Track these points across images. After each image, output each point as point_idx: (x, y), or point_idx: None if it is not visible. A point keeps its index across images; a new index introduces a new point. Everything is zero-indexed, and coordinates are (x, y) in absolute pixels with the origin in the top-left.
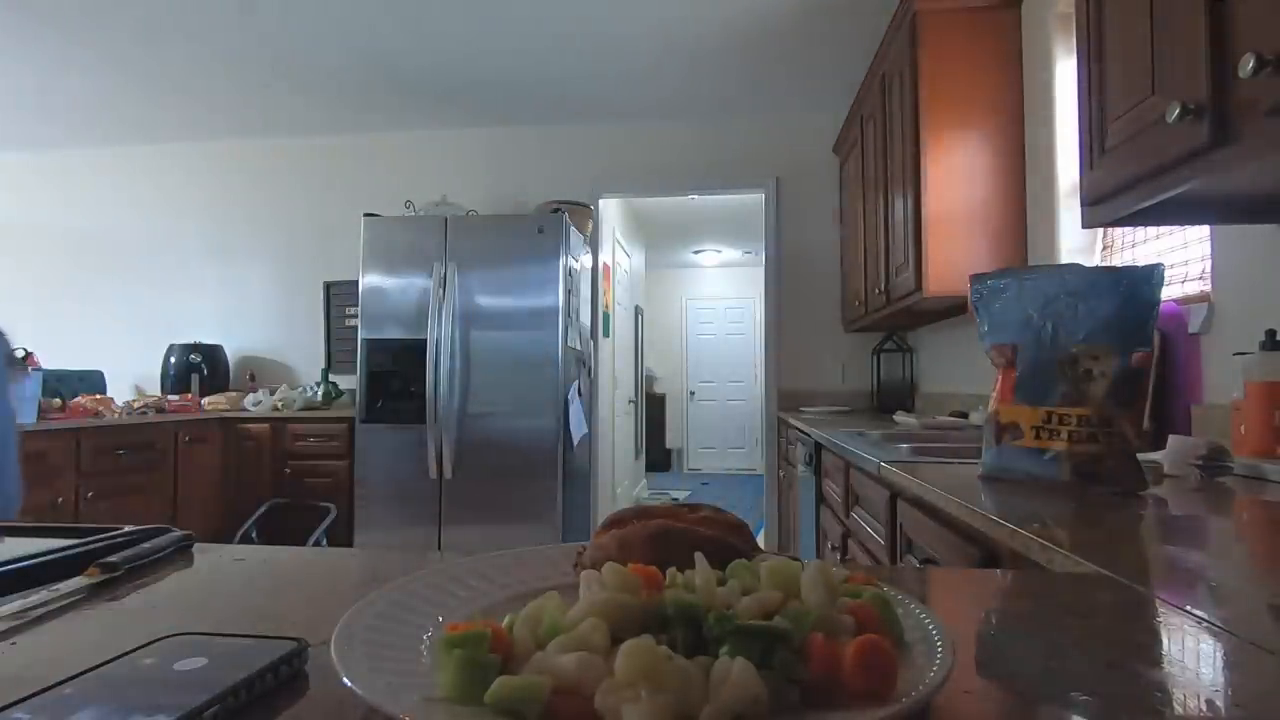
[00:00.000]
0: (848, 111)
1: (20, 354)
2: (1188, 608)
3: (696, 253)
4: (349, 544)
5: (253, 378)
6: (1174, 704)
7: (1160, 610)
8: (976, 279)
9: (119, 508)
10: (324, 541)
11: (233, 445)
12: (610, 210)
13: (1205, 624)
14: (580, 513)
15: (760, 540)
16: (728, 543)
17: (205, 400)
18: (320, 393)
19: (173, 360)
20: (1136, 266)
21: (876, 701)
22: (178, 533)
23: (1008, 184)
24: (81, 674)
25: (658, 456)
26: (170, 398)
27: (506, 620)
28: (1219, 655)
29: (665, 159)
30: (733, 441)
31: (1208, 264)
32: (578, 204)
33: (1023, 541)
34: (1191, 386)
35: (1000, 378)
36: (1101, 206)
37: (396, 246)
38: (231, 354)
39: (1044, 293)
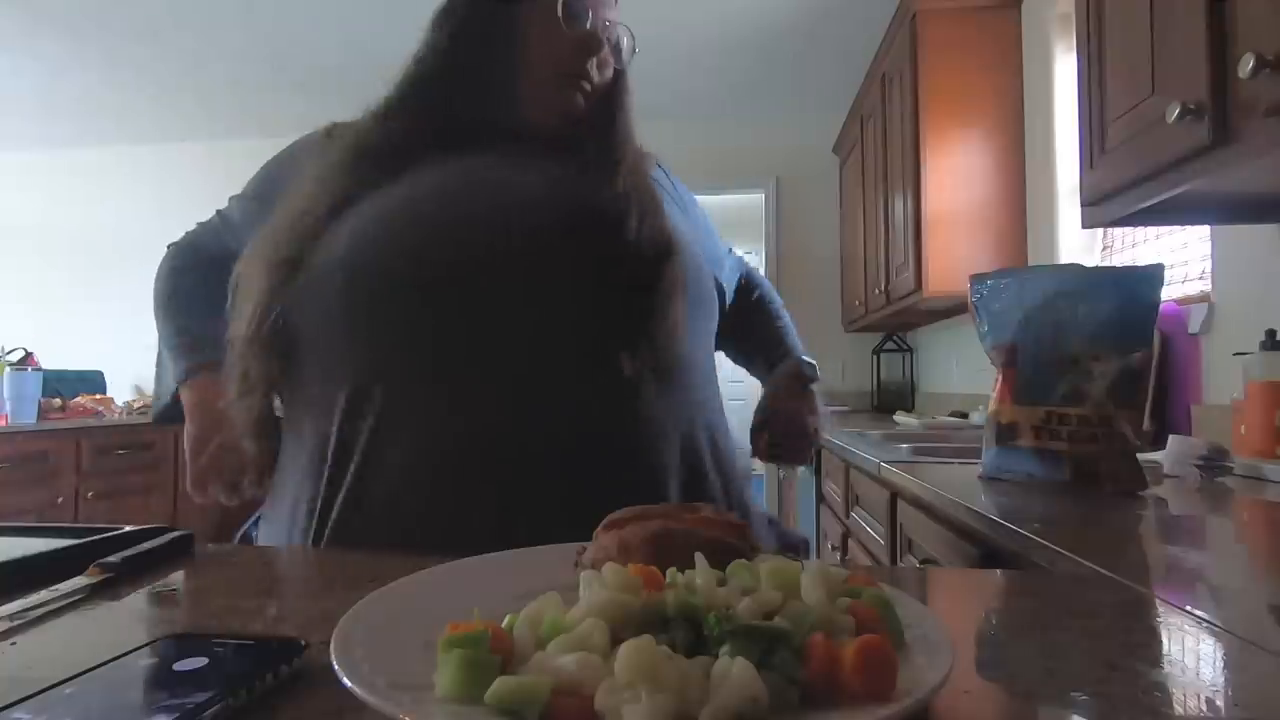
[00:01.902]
0: (848, 111)
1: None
2: (1188, 608)
3: None
4: None
5: None
6: (1174, 704)
7: (1160, 610)
8: (976, 279)
9: (119, 508)
10: None
11: None
12: None
13: (1205, 624)
14: None
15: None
16: (728, 543)
17: None
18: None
19: None
20: (1136, 266)
21: (876, 701)
22: (178, 533)
23: (1008, 184)
24: (81, 674)
25: None
26: None
27: (507, 620)
28: (1219, 655)
29: (665, 158)
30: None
31: (1208, 264)
32: None
33: (1023, 541)
34: (1191, 386)
35: (1000, 378)
36: (1101, 206)
37: None
38: None
39: (1044, 293)
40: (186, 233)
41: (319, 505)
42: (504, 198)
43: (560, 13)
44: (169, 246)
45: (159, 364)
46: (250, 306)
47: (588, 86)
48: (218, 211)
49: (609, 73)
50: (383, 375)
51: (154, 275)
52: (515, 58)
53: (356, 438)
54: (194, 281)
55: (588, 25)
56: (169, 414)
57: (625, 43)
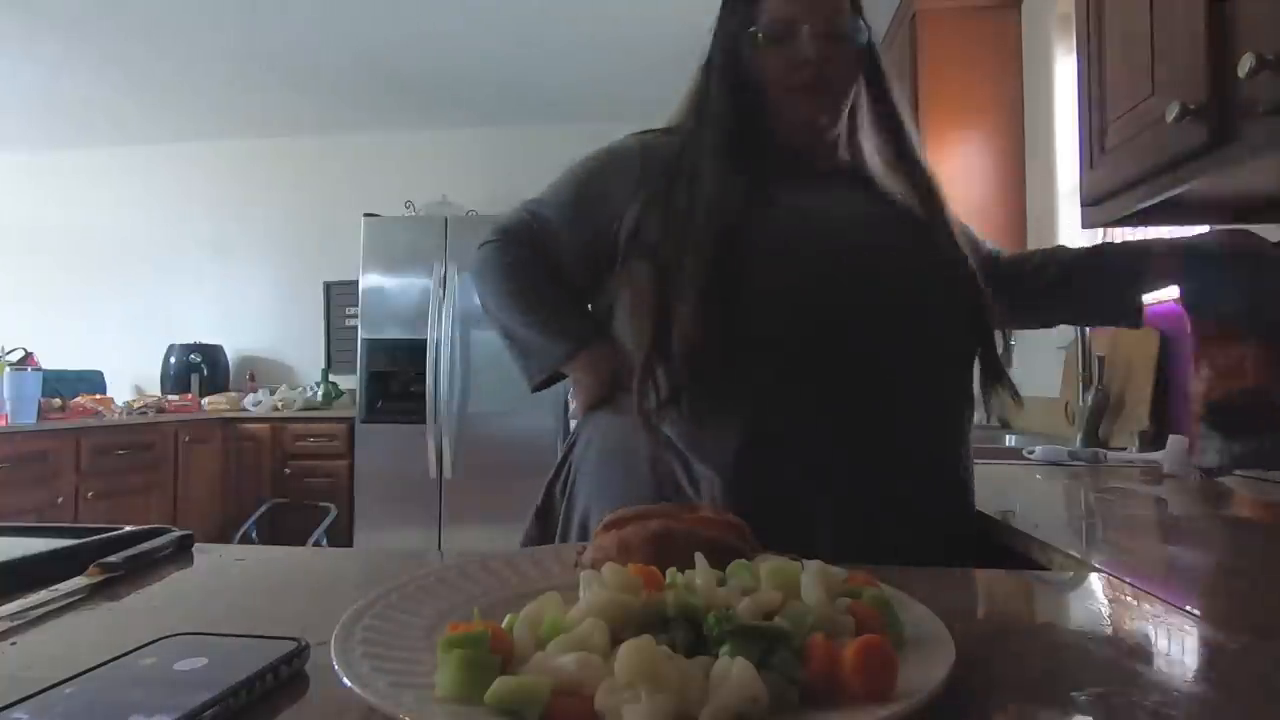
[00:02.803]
0: None
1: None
2: (1188, 608)
3: None
4: (349, 544)
5: (253, 378)
6: (1174, 704)
7: (1160, 610)
8: None
9: (119, 508)
10: (324, 541)
11: (233, 445)
12: None
13: (1205, 624)
14: None
15: None
16: (728, 543)
17: (205, 400)
18: (320, 393)
19: (173, 360)
20: None
21: (876, 701)
22: (178, 533)
23: (1008, 184)
24: (81, 674)
25: None
26: (170, 398)
27: (506, 620)
28: (1218, 655)
29: None
30: None
31: None
32: None
33: (1022, 541)
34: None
35: (1212, 358)
36: (1101, 206)
37: (396, 246)
38: (231, 354)
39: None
40: (504, 227)
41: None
42: (883, 237)
43: (761, 34)
44: (495, 236)
45: (521, 342)
46: (648, 322)
47: (823, 100)
48: (529, 211)
49: (848, 72)
50: (803, 395)
51: (484, 260)
52: (764, 91)
53: (757, 453)
54: (540, 276)
55: (796, 38)
56: (547, 384)
57: (861, 38)
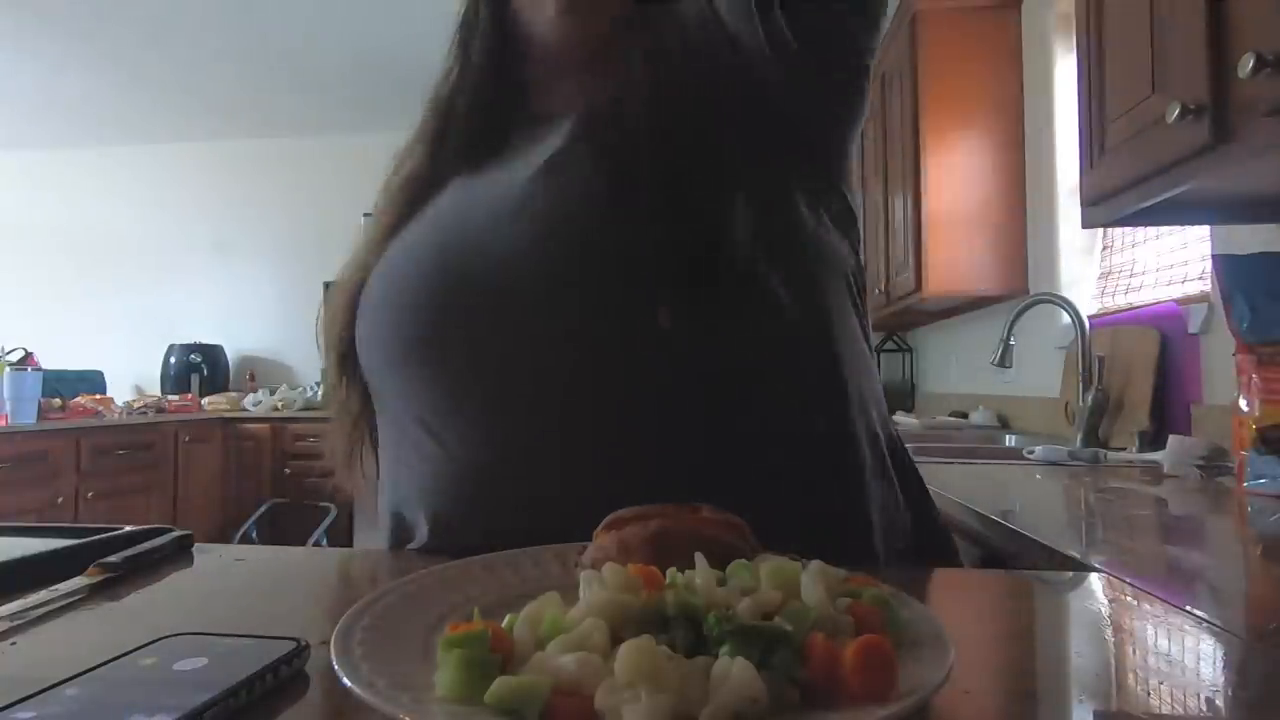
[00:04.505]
0: None
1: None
2: (1187, 608)
3: None
4: (349, 544)
5: (253, 378)
6: (1174, 704)
7: (1160, 610)
8: (1230, 260)
9: (119, 508)
10: (324, 541)
11: (233, 445)
12: None
13: (1205, 624)
14: None
15: None
16: (728, 543)
17: (205, 400)
18: (320, 393)
19: (173, 360)
20: None
21: (876, 701)
22: (178, 533)
23: (1008, 184)
24: (81, 674)
25: None
26: (170, 398)
27: (506, 620)
28: (1219, 655)
29: None
30: None
31: (1208, 264)
32: None
33: (1022, 541)
34: (1191, 386)
35: (1267, 381)
36: (1101, 206)
37: None
38: (231, 354)
39: None
40: None
41: (388, 532)
42: (480, 214)
43: None
44: None
45: None
46: (326, 337)
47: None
48: None
49: None
50: (401, 407)
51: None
52: (509, 25)
53: (396, 464)
54: None
55: None
56: None
57: None
